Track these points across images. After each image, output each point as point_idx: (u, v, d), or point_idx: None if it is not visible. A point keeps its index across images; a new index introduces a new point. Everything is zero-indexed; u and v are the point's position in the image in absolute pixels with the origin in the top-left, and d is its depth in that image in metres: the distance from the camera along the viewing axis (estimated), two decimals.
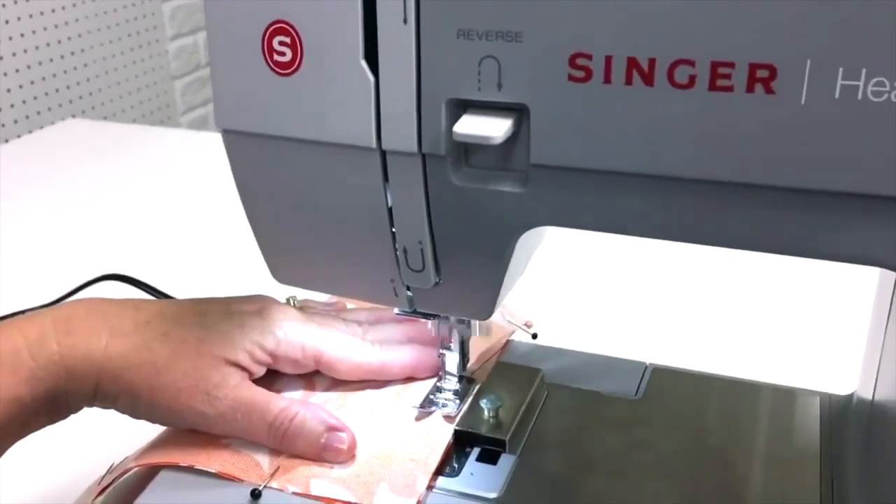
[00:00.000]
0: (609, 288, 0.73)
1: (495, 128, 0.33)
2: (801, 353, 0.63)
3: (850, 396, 0.47)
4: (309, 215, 0.39)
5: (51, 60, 1.61)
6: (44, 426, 0.43)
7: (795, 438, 0.45)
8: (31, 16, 1.55)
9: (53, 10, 1.59)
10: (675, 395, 0.49)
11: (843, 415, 0.46)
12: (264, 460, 0.43)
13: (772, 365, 0.60)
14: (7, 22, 1.50)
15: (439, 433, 0.45)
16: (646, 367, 0.51)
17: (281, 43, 0.35)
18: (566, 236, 0.44)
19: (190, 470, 0.43)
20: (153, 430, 0.47)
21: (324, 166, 0.37)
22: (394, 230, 0.38)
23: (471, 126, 0.33)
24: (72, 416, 0.44)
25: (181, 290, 0.73)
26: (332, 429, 0.43)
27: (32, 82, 1.58)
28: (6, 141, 1.42)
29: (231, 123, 0.38)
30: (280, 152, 0.38)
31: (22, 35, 1.54)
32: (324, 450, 0.43)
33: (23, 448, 0.43)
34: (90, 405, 0.44)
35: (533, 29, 0.31)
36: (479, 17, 0.32)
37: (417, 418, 0.46)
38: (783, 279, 0.72)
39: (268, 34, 0.35)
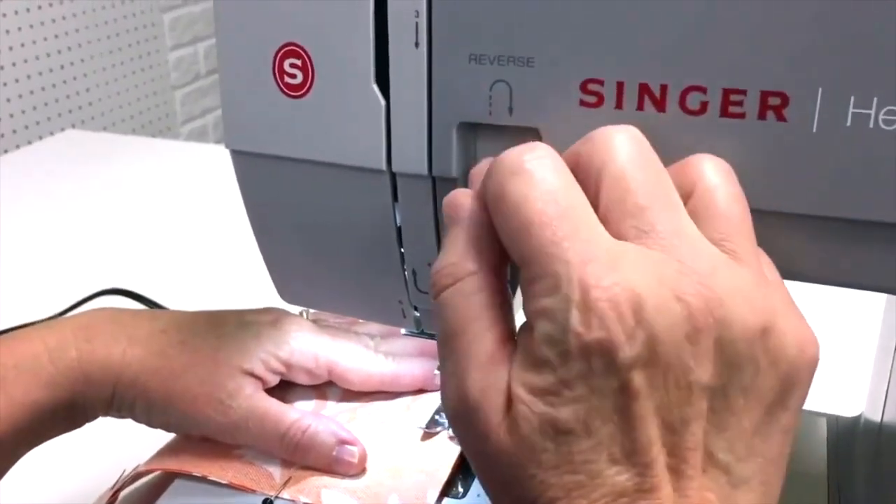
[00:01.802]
0: None
1: None
2: None
3: (858, 418, 0.47)
4: (318, 236, 0.39)
5: (50, 71, 1.61)
6: (61, 433, 0.44)
7: (802, 459, 0.45)
8: (31, 26, 1.55)
9: (53, 21, 1.59)
10: None
11: (850, 436, 0.46)
12: (276, 471, 0.44)
13: None
14: (7, 32, 1.50)
15: (447, 451, 0.45)
16: None
17: (292, 65, 0.35)
18: None
19: (203, 479, 0.43)
20: (166, 439, 0.47)
21: (333, 188, 0.37)
22: (402, 251, 0.38)
23: (482, 150, 0.33)
24: (86, 424, 0.45)
25: (182, 303, 0.73)
26: (344, 442, 0.44)
27: (32, 92, 1.58)
28: (5, 152, 1.42)
29: (241, 144, 0.38)
30: (290, 173, 0.38)
31: (22, 45, 1.54)
32: (335, 462, 0.43)
33: (36, 454, 0.44)
34: (106, 413, 0.44)
35: (544, 54, 0.31)
36: (491, 42, 0.32)
37: (423, 439, 0.46)
38: None
39: (279, 56, 0.35)
